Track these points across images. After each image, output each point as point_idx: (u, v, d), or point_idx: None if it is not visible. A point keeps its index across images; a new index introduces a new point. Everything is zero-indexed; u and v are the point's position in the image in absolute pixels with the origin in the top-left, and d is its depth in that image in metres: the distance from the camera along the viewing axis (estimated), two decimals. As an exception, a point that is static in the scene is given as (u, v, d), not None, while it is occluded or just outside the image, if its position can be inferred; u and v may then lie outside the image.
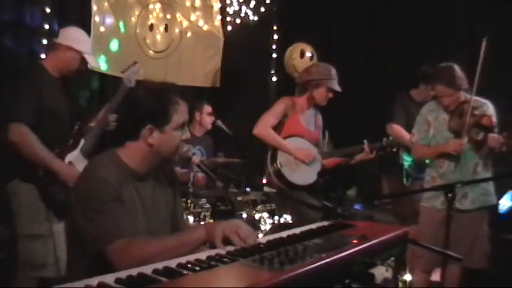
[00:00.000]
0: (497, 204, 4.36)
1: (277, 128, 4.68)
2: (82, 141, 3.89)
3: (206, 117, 5.77)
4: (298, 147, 4.65)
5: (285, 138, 4.66)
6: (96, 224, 2.16)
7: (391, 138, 4.89)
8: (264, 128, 4.61)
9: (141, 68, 4.19)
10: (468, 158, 4.16)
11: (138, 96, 2.41)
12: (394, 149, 4.85)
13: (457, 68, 4.13)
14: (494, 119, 4.08)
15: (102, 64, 5.35)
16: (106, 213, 2.17)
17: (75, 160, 3.78)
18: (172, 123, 2.35)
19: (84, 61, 3.96)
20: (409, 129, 4.88)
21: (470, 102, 4.04)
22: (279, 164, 4.60)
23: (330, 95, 4.69)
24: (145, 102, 2.35)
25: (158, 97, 2.35)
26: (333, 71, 4.69)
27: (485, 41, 3.93)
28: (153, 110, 2.33)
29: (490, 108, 4.17)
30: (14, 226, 3.80)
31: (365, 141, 4.73)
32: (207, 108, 5.78)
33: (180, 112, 2.37)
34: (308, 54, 6.63)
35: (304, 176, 4.66)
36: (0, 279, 3.81)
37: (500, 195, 4.54)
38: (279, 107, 4.74)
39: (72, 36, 3.92)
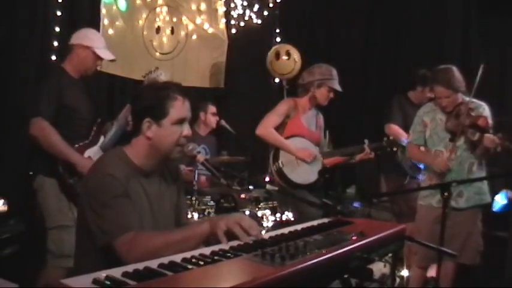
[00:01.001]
0: (491, 202, 4.44)
1: (279, 128, 4.72)
2: (102, 138, 4.03)
3: (211, 117, 5.83)
4: (299, 147, 4.69)
5: (286, 138, 4.70)
6: (104, 218, 2.22)
7: (391, 138, 4.95)
8: (266, 128, 4.66)
9: (162, 73, 4.26)
10: (464, 158, 4.23)
11: (140, 92, 2.50)
12: (395, 149, 4.93)
13: (455, 70, 4.19)
14: (490, 121, 4.14)
15: (110, 65, 5.43)
16: (114, 207, 2.23)
17: (94, 155, 3.88)
18: (170, 117, 2.40)
19: (99, 58, 4.07)
20: (406, 129, 4.99)
21: (467, 103, 4.12)
22: (280, 164, 4.64)
23: (331, 95, 4.73)
24: (145, 97, 2.44)
25: (156, 92, 2.43)
26: (334, 72, 4.74)
27: (483, 67, 4.02)
28: (151, 104, 2.40)
29: (486, 110, 4.23)
30: (33, 220, 3.96)
31: (366, 141, 4.78)
32: (212, 108, 5.84)
33: (178, 107, 2.42)
34: (283, 54, 6.60)
35: (305, 175, 4.70)
36: (15, 271, 3.81)
37: (494, 194, 4.63)
38: (281, 108, 4.78)
39: (82, 35, 4.04)
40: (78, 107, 3.91)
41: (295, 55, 6.57)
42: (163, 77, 4.20)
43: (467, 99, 4.17)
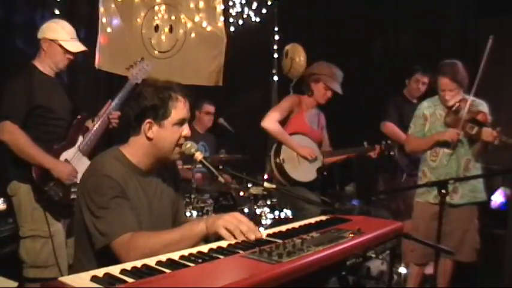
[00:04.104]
0: (487, 200, 4.44)
1: (283, 124, 4.75)
2: (80, 139, 3.80)
3: (204, 116, 5.85)
4: (302, 144, 4.73)
5: (289, 135, 4.73)
6: (102, 219, 2.23)
7: (389, 142, 4.96)
8: (271, 121, 4.68)
9: (149, 64, 4.12)
10: (460, 155, 4.26)
11: (141, 92, 2.45)
12: (392, 153, 4.94)
13: (461, 65, 4.22)
14: (489, 116, 4.18)
15: (109, 64, 5.46)
16: (112, 209, 2.24)
17: (73, 158, 3.72)
18: (171, 118, 2.40)
19: (68, 51, 3.76)
20: (402, 127, 5.02)
21: (467, 100, 4.16)
22: (282, 160, 4.67)
23: (329, 93, 4.76)
24: (147, 97, 2.40)
25: (159, 92, 2.40)
26: (336, 72, 4.77)
27: (492, 38, 4.06)
28: (153, 105, 2.38)
29: (485, 108, 4.26)
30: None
31: (365, 143, 4.87)
32: (206, 108, 5.85)
33: (179, 108, 2.42)
34: (289, 54, 6.75)
35: (305, 173, 4.73)
36: (14, 269, 3.71)
37: (491, 192, 4.64)
38: (286, 104, 4.83)
39: (46, 28, 3.76)
40: (53, 106, 3.66)
41: (292, 54, 6.65)
42: (149, 68, 4.08)
43: (468, 97, 4.20)
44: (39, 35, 3.74)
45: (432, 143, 4.36)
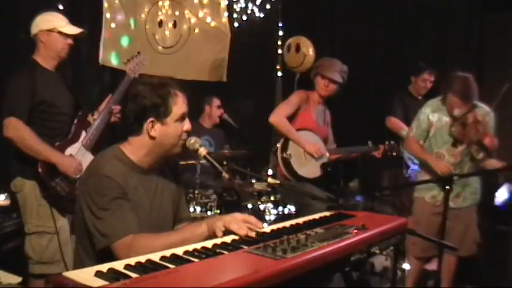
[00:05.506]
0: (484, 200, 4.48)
1: (290, 120, 4.74)
2: (83, 134, 3.80)
3: (216, 110, 5.86)
4: (309, 141, 4.71)
5: (296, 130, 4.71)
6: (102, 221, 2.23)
7: (392, 142, 4.96)
8: (279, 116, 4.67)
9: (146, 58, 4.12)
10: (464, 163, 4.31)
11: (138, 91, 2.41)
12: (395, 153, 4.93)
13: (472, 81, 4.14)
14: (496, 141, 4.19)
15: (113, 59, 5.44)
16: (112, 210, 2.24)
17: (77, 153, 3.70)
18: (173, 114, 2.39)
19: (68, 36, 3.72)
20: (406, 122, 5.02)
21: (474, 113, 4.17)
22: (289, 155, 4.65)
23: (327, 83, 4.73)
24: (146, 97, 2.37)
25: (157, 90, 2.37)
26: (334, 63, 4.77)
27: (507, 87, 4.25)
28: (154, 104, 2.36)
29: (491, 118, 4.27)
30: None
31: (369, 143, 4.86)
32: (216, 102, 5.88)
33: (179, 104, 2.41)
34: (293, 48, 6.71)
35: (312, 169, 4.72)
36: (18, 264, 3.71)
37: (495, 188, 4.64)
38: (294, 99, 4.81)
39: (39, 21, 3.71)
40: (55, 101, 3.65)
41: (305, 49, 6.59)
42: (146, 62, 4.09)
43: (475, 106, 4.21)
44: (34, 30, 3.71)
45: (425, 161, 4.41)
